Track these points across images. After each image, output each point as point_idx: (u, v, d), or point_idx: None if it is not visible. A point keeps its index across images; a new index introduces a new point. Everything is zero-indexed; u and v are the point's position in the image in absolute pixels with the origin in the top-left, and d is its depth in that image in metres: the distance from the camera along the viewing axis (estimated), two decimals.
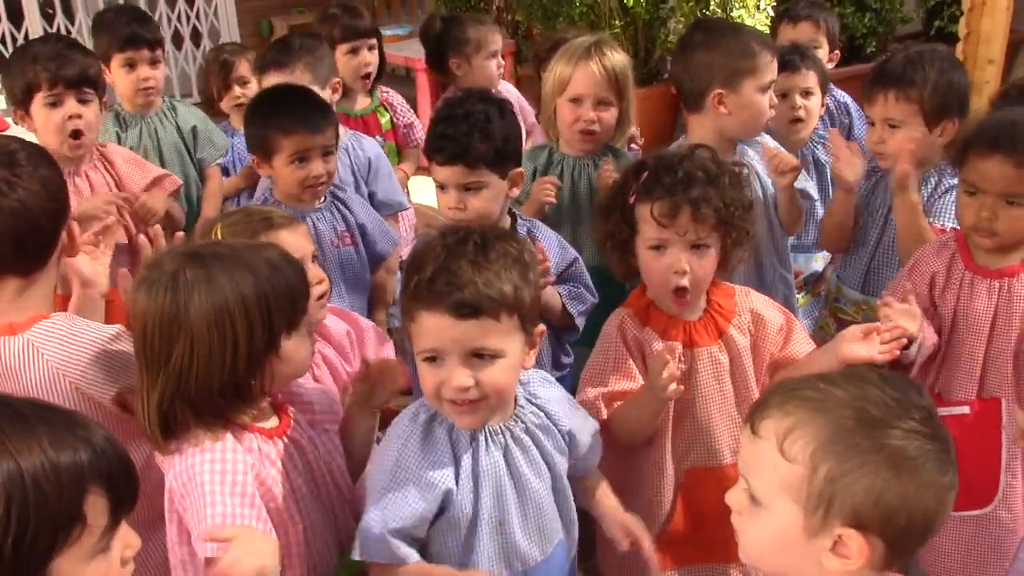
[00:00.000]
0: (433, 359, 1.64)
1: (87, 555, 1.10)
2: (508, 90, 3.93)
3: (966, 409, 2.24)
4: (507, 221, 2.44)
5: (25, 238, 1.83)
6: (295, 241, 2.05)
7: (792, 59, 3.12)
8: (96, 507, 1.09)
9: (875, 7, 5.97)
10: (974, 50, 4.73)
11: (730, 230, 2.04)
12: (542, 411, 1.83)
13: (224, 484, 1.58)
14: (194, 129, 3.47)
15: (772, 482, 1.30)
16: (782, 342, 2.16)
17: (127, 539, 1.17)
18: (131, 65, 3.34)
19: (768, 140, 2.86)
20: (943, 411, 2.23)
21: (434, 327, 1.61)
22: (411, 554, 1.70)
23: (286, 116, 2.65)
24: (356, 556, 1.71)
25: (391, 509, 1.68)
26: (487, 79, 3.82)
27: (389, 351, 2.35)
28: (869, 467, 1.23)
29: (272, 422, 1.76)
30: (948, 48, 2.78)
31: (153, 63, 3.38)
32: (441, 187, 2.37)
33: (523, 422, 1.79)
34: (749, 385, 2.14)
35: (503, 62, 3.91)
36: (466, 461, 1.72)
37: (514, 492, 1.76)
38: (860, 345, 1.97)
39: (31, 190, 1.82)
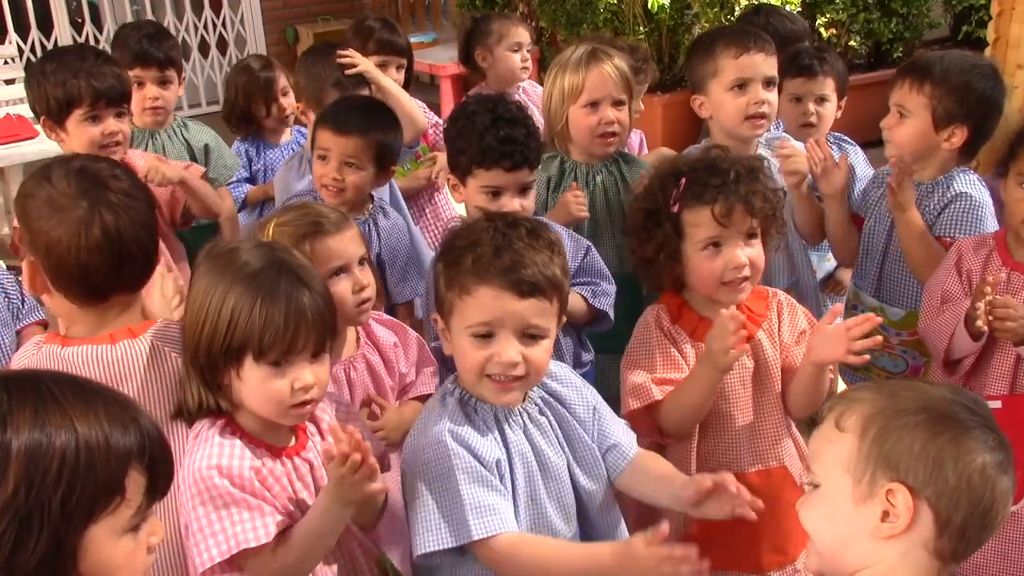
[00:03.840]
0: (484, 335, 1.68)
1: (120, 529, 1.16)
2: (536, 90, 3.94)
3: (998, 404, 2.22)
4: None
5: (151, 250, 1.86)
6: (340, 247, 2.06)
7: (811, 64, 3.09)
8: (135, 483, 1.16)
9: (902, 12, 5.92)
10: (1003, 55, 4.66)
11: (771, 220, 2.10)
12: (551, 395, 1.88)
13: (228, 501, 1.62)
14: (206, 148, 3.40)
15: (828, 459, 1.38)
16: (800, 350, 2.14)
17: (154, 527, 1.23)
18: (139, 83, 3.26)
19: (791, 139, 2.86)
20: None
21: (495, 301, 1.67)
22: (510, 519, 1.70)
23: (334, 111, 2.78)
24: (452, 544, 1.67)
25: (471, 482, 1.68)
26: (509, 71, 3.82)
27: (429, 369, 2.31)
28: (911, 425, 1.31)
29: (286, 441, 1.77)
30: (993, 62, 2.72)
31: (162, 82, 3.32)
32: (494, 193, 2.35)
33: (536, 403, 1.84)
34: (772, 392, 2.13)
35: (528, 56, 3.89)
36: (497, 437, 1.76)
37: (539, 469, 1.80)
38: (827, 347, 1.96)
39: (147, 202, 1.85)
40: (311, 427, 1.83)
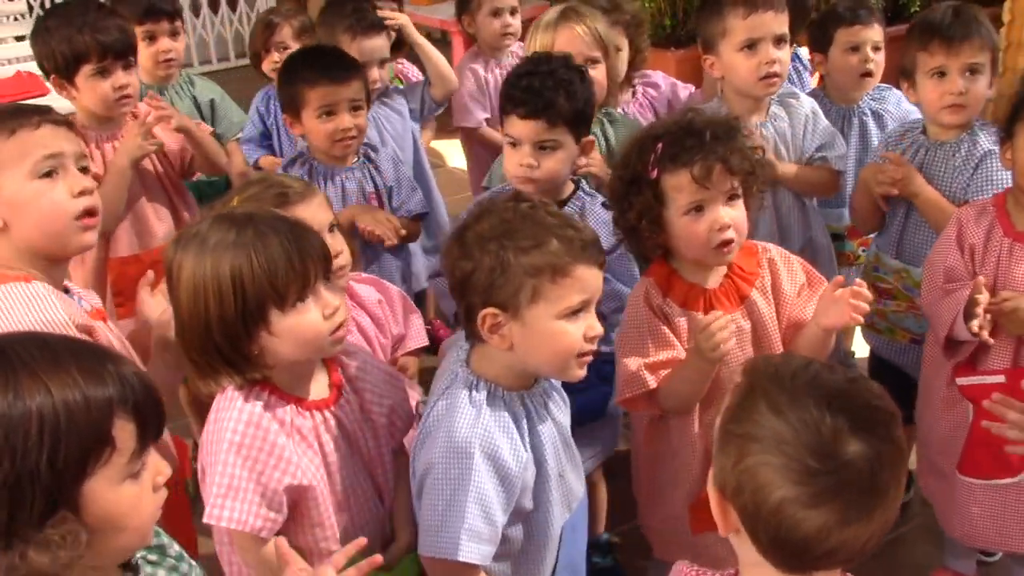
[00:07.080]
0: (577, 312, 1.70)
1: (118, 477, 1.16)
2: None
3: (1002, 378, 2.21)
4: (569, 187, 2.43)
5: None
6: (309, 214, 2.03)
7: (861, 14, 3.08)
8: (124, 431, 1.16)
9: None
10: (1022, 6, 4.59)
11: (752, 179, 2.06)
12: None
13: (235, 455, 1.66)
14: (212, 103, 3.44)
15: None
16: (802, 303, 2.15)
17: (158, 467, 1.24)
18: (151, 37, 3.32)
19: (804, 102, 2.82)
20: (978, 380, 2.23)
21: (591, 279, 1.71)
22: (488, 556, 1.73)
23: (311, 69, 2.73)
24: (431, 552, 1.71)
25: (484, 504, 1.69)
26: (491, 36, 3.76)
27: (416, 319, 2.36)
28: (732, 436, 1.24)
29: (319, 394, 1.79)
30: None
31: (172, 34, 3.35)
32: (513, 143, 2.35)
33: (544, 382, 1.87)
34: (772, 352, 2.11)
35: (509, 21, 3.79)
36: (525, 425, 1.78)
37: (561, 442, 1.86)
38: (834, 313, 1.99)
39: None
40: (347, 386, 1.84)
